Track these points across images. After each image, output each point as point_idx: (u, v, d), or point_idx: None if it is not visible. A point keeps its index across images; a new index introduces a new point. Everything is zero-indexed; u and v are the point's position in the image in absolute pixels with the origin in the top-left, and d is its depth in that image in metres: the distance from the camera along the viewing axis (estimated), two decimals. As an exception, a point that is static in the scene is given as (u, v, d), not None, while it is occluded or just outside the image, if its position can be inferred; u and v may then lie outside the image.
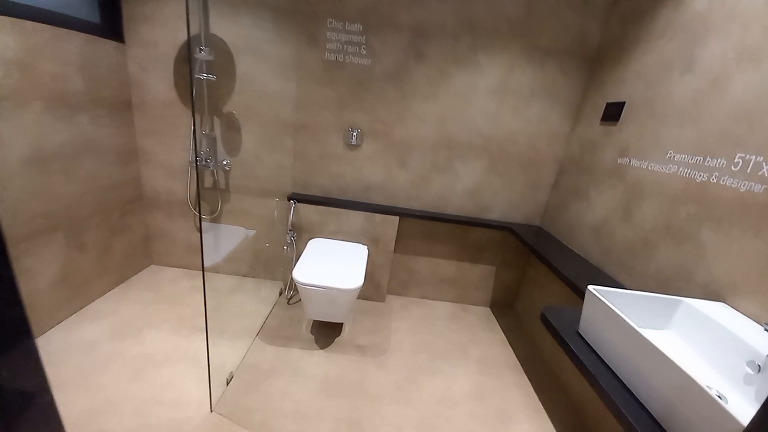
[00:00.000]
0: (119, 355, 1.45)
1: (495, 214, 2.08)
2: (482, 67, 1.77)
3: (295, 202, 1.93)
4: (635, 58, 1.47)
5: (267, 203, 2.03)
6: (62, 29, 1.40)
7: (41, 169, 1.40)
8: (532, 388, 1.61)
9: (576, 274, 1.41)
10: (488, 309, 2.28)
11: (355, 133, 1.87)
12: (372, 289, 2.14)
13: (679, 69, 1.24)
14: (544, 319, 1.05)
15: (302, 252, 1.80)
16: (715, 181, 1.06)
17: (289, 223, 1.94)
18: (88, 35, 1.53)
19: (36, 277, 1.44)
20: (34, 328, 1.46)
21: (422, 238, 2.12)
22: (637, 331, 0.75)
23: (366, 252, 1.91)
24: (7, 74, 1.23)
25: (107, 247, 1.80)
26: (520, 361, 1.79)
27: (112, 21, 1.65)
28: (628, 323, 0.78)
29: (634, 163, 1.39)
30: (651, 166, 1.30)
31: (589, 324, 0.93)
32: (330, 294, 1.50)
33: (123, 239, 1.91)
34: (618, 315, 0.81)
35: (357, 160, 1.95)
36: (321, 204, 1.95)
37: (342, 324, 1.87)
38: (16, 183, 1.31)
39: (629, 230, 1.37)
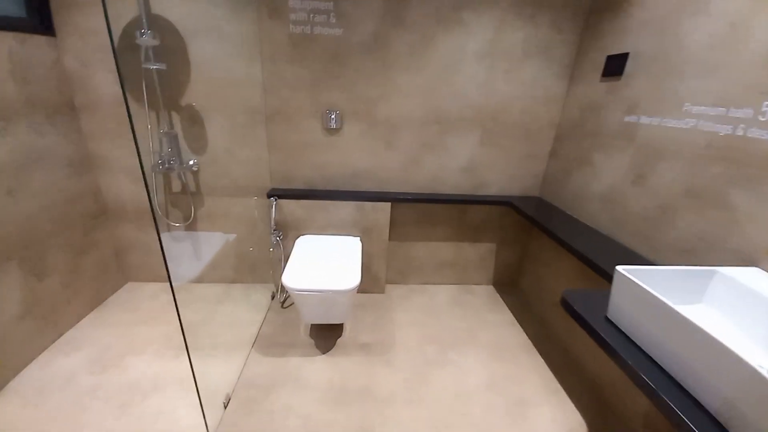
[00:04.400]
0: (101, 389, 1.31)
1: (492, 189, 1.95)
2: (469, 27, 1.59)
3: (276, 199, 1.76)
4: (638, 3, 1.31)
5: (245, 203, 1.86)
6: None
7: (-26, 192, 1.20)
8: (548, 369, 1.54)
9: (587, 247, 1.31)
10: (491, 287, 2.20)
11: (333, 116, 1.69)
12: (370, 281, 2.02)
13: (690, 11, 1.09)
14: (567, 305, 0.94)
15: (291, 252, 1.65)
16: (741, 134, 0.94)
17: (272, 221, 1.78)
18: (15, 33, 1.29)
19: (-10, 315, 1.27)
20: (5, 367, 1.31)
21: (418, 222, 1.99)
22: (680, 314, 0.64)
23: (359, 244, 1.78)
24: None
25: (73, 269, 1.62)
26: (532, 341, 1.72)
27: (40, 13, 1.40)
28: (668, 305, 0.67)
29: (645, 120, 1.26)
30: (665, 123, 1.17)
31: (620, 308, 0.83)
32: (326, 297, 1.37)
33: (91, 258, 1.72)
34: (656, 297, 0.70)
35: (339, 146, 1.78)
36: (305, 198, 1.78)
37: (342, 323, 1.76)
38: (-58, 211, 1.12)
39: (644, 196, 1.25)
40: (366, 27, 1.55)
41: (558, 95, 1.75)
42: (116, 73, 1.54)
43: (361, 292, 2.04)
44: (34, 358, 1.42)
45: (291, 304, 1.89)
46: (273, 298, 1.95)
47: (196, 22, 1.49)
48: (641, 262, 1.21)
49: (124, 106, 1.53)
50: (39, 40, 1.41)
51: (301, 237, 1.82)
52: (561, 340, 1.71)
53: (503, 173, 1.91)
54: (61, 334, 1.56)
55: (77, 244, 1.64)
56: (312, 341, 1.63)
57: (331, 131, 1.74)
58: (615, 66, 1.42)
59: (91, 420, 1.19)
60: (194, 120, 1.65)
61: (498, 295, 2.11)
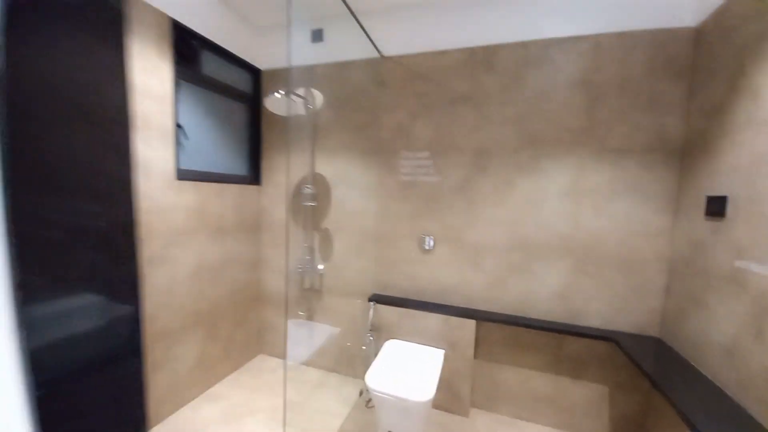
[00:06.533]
0: (222, 440, 1.69)
1: (593, 321, 1.82)
2: (548, 172, 1.82)
3: (374, 303, 2.10)
4: (727, 151, 1.33)
5: (352, 303, 2.27)
6: (225, 184, 2.10)
7: (198, 279, 1.96)
8: None
9: (708, 415, 1.10)
10: (605, 445, 1.82)
11: (428, 239, 2.05)
12: (452, 399, 2.00)
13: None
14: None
15: (378, 353, 1.88)
16: None
17: (369, 322, 2.09)
18: (240, 185, 2.24)
19: (180, 362, 1.88)
20: (171, 405, 1.85)
21: (506, 344, 1.97)
22: None
23: (441, 357, 1.87)
24: (188, 217, 1.88)
25: (231, 337, 2.24)
26: None
27: (255, 172, 2.38)
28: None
29: (756, 268, 1.14)
30: (778, 275, 1.05)
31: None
32: (400, 404, 1.50)
33: (243, 331, 2.35)
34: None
35: (431, 264, 2.08)
36: (398, 305, 2.07)
37: (417, 439, 1.76)
38: (180, 290, 1.86)
39: (766, 355, 1.05)
40: (456, 175, 1.97)
41: (662, 229, 1.68)
42: (287, 209, 2.34)
43: (443, 410, 2.01)
44: (191, 401, 1.95)
45: (373, 407, 2.02)
46: (360, 394, 2.13)
47: (339, 177, 2.22)
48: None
49: (289, 227, 2.25)
50: (252, 188, 2.34)
51: (390, 341, 2.04)
52: None
53: (606, 305, 1.80)
54: (211, 386, 2.10)
55: (238, 320, 2.30)
56: (385, 450, 1.69)
57: (425, 251, 2.08)
58: (716, 207, 1.36)
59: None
60: (327, 238, 2.27)
61: (611, 457, 1.73)
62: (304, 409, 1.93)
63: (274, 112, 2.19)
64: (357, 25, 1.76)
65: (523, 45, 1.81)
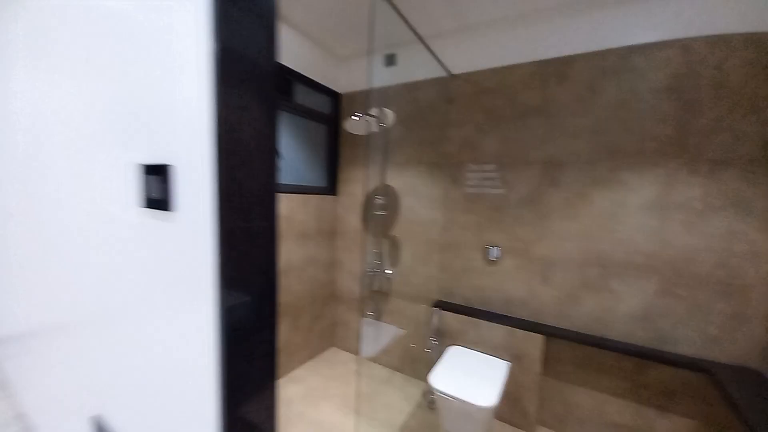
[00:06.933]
0: (304, 415, 1.95)
1: (683, 348, 1.66)
2: (629, 185, 1.72)
3: (438, 309, 2.20)
4: None
5: (416, 308, 2.39)
6: (307, 195, 2.41)
7: (286, 276, 2.28)
8: None
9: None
10: (695, 489, 1.63)
11: (494, 250, 2.07)
12: (517, 414, 1.98)
13: None
14: None
15: (442, 357, 1.97)
16: None
17: (433, 327, 2.19)
18: (319, 195, 2.53)
19: (271, 346, 2.22)
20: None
21: (578, 364, 1.89)
22: None
23: (506, 368, 1.88)
24: (282, 223, 2.21)
25: (309, 329, 2.54)
26: None
27: (332, 184, 2.67)
28: None
29: None
30: None
31: None
32: (463, 407, 1.58)
33: (319, 324, 2.64)
34: None
35: (497, 274, 2.10)
36: (462, 313, 2.13)
37: (479, 445, 1.81)
38: (275, 284, 2.20)
39: None
40: (524, 188, 1.97)
41: (774, 250, 1.47)
42: (360, 217, 2.57)
43: (507, 423, 2.01)
44: (279, 379, 2.28)
45: (435, 408, 2.11)
46: (423, 396, 2.23)
47: (407, 188, 2.37)
48: None
49: (361, 235, 2.47)
50: (329, 198, 2.63)
51: (453, 347, 2.11)
52: None
53: (698, 331, 1.63)
54: (293, 369, 2.42)
55: (316, 314, 2.59)
56: (446, 450, 1.77)
57: (490, 262, 2.11)
58: None
59: (294, 437, 1.80)
60: (395, 245, 2.44)
61: (703, 503, 1.55)
62: (372, 401, 2.11)
63: (352, 131, 2.44)
64: (426, 48, 1.90)
65: (601, 54, 1.74)
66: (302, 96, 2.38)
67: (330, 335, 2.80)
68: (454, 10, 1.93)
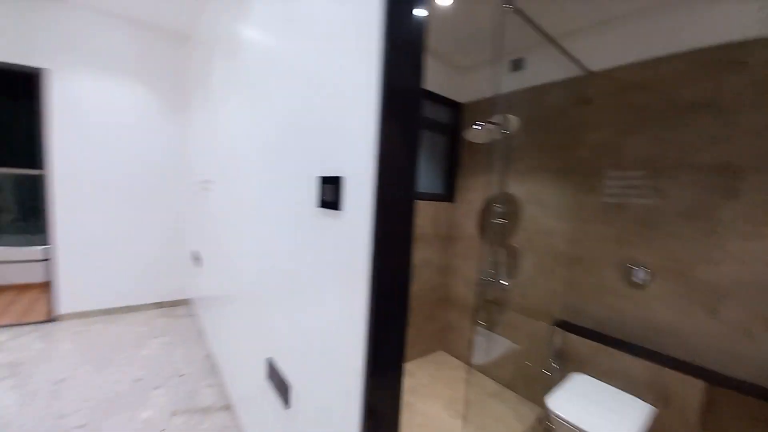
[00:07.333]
0: (412, 406, 2.08)
1: None
2: None
3: (562, 329, 2.02)
4: None
5: (534, 323, 2.24)
6: (426, 201, 2.55)
7: (404, 275, 2.47)
8: None
9: None
10: None
11: (639, 271, 1.79)
12: (662, 469, 1.66)
13: None
14: None
15: (563, 383, 1.81)
16: None
17: (554, 348, 2.02)
18: (436, 202, 2.65)
19: (387, 337, 2.44)
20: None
21: (757, 425, 1.47)
22: None
23: (646, 412, 1.60)
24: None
25: (421, 328, 2.67)
26: None
27: (450, 191, 2.75)
28: None
29: None
30: None
31: None
32: (587, 439, 1.43)
33: (430, 326, 2.75)
34: None
35: (642, 299, 1.80)
36: (592, 338, 1.91)
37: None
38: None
39: None
40: (685, 197, 1.64)
41: None
42: (477, 223, 2.57)
43: (647, 476, 1.70)
44: (391, 372, 2.48)
45: (554, 436, 1.94)
46: (539, 422, 2.08)
47: (530, 196, 2.26)
48: None
49: (473, 241, 2.49)
50: (445, 205, 2.71)
51: (578, 374, 1.90)
52: None
53: None
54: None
55: (427, 315, 2.71)
56: (565, 483, 1.62)
57: (632, 283, 1.83)
58: None
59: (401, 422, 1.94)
60: (513, 254, 2.35)
61: None
62: (481, 411, 2.09)
63: (473, 141, 2.47)
64: (558, 49, 1.80)
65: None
66: (426, 109, 2.55)
67: (440, 338, 2.87)
68: (590, 7, 1.78)
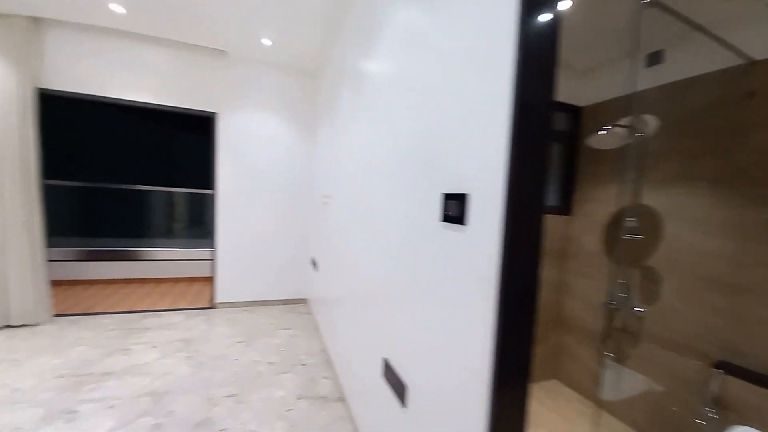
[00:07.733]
0: (524, 436, 1.95)
1: None
2: None
3: (723, 373, 1.64)
4: None
5: (682, 361, 1.87)
6: (539, 213, 2.41)
7: (511, 291, 2.36)
8: None
9: None
10: None
11: None
12: None
13: None
14: None
15: (727, 438, 1.47)
16: None
17: (710, 394, 1.65)
18: (549, 215, 2.47)
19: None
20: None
21: None
22: None
23: None
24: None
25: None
26: None
27: (565, 203, 2.53)
28: None
29: None
30: None
31: None
32: None
33: (541, 348, 2.54)
34: None
35: None
36: (763, 385, 1.50)
37: None
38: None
39: None
40: None
41: None
42: (600, 239, 2.31)
43: None
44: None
45: (715, 505, 1.57)
46: (690, 480, 1.71)
47: (672, 209, 1.92)
48: None
49: (596, 259, 2.23)
50: (559, 217, 2.50)
51: (742, 427, 1.51)
52: None
53: None
54: (512, 387, 2.44)
55: (539, 336, 2.50)
56: None
57: (838, 323, 1.39)
58: None
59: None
60: (652, 277, 2.01)
61: None
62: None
63: (596, 147, 2.23)
64: (709, 36, 1.53)
65: None
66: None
67: (553, 364, 2.62)
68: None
